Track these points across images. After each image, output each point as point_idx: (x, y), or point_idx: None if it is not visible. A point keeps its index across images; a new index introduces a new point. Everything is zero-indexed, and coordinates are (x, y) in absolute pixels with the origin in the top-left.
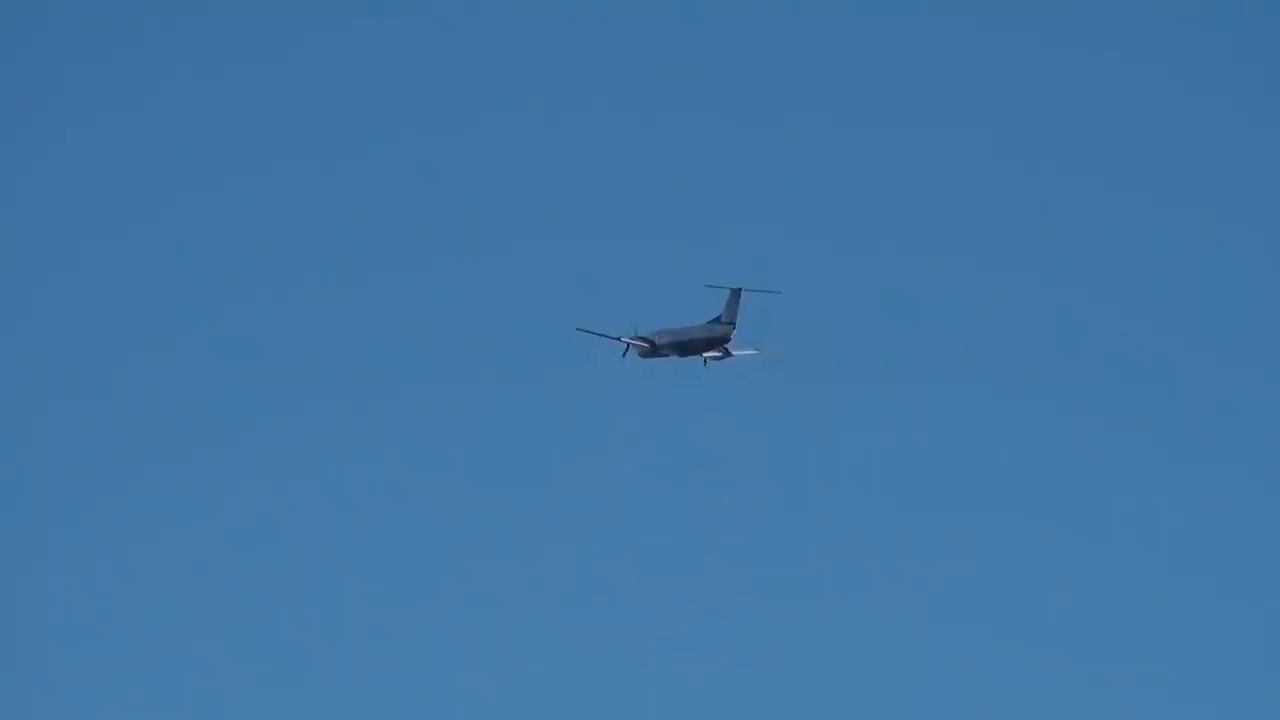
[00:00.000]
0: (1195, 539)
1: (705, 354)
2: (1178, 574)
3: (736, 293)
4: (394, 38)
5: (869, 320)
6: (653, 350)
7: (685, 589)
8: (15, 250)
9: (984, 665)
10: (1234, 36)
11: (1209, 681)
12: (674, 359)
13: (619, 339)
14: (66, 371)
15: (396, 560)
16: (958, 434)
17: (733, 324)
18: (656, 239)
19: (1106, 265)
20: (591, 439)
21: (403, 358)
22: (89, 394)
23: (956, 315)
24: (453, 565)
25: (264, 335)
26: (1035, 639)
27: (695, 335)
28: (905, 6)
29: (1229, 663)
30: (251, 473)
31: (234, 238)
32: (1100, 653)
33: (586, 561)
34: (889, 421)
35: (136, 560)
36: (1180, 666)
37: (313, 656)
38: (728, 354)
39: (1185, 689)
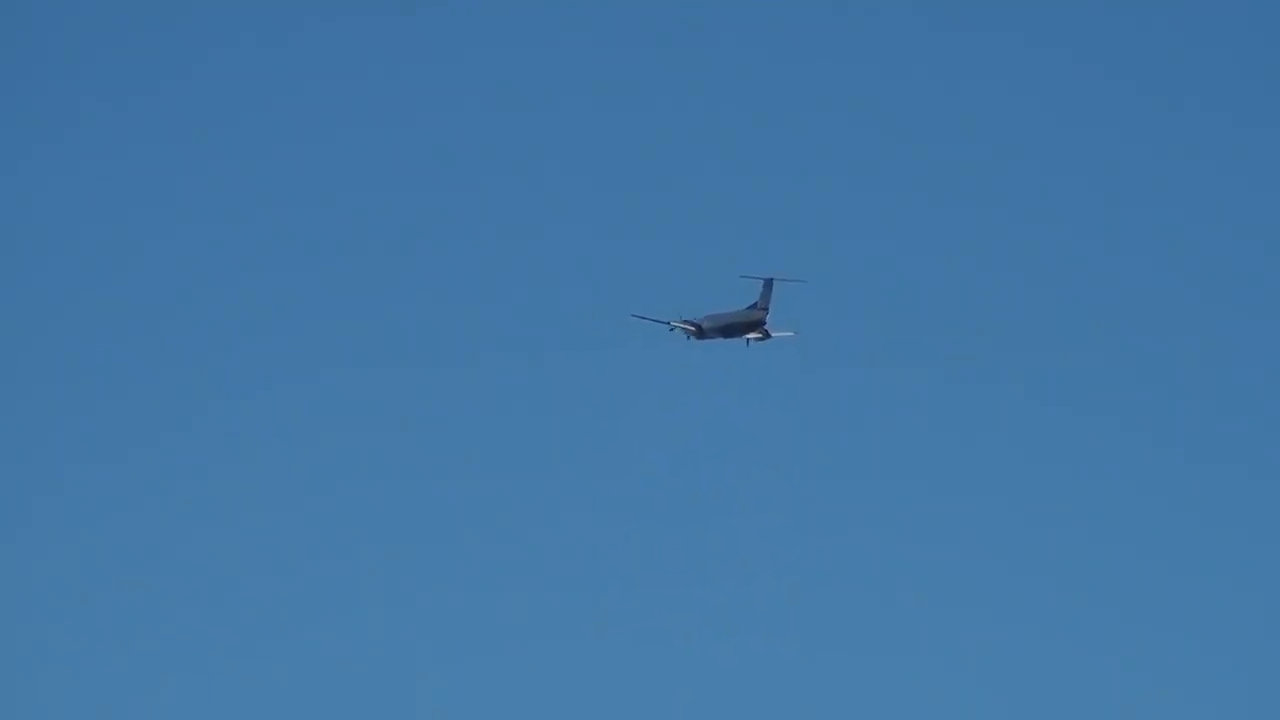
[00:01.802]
0: (1200, 530)
1: (747, 336)
2: (1185, 564)
3: (769, 282)
4: (431, 28)
5: (886, 308)
6: (700, 333)
7: (729, 562)
8: (13, 247)
9: (1002, 651)
10: (1232, 39)
11: (1210, 674)
12: (719, 340)
13: (669, 323)
14: (65, 371)
15: (423, 543)
16: (965, 423)
17: (766, 309)
18: (698, 235)
19: (1120, 263)
20: (638, 417)
21: (445, 343)
22: (87, 391)
23: (969, 308)
24: (479, 547)
25: (286, 327)
26: (1056, 633)
27: (735, 319)
28: (914, 12)
29: (1230, 655)
30: (261, 466)
31: (246, 234)
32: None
33: (626, 537)
34: (899, 407)
35: (132, 556)
36: (1182, 658)
37: (319, 654)
38: (767, 335)
39: (1184, 683)
